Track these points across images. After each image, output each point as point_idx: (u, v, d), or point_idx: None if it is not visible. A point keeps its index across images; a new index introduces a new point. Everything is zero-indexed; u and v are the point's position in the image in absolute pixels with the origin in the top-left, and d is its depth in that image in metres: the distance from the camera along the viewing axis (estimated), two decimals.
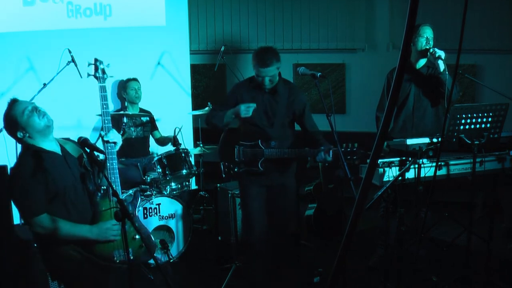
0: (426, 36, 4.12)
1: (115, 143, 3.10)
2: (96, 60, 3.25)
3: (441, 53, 4.02)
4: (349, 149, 3.47)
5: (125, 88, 5.46)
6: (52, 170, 2.95)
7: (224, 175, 3.96)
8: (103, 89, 3.15)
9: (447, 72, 4.01)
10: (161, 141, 5.59)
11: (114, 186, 2.99)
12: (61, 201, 2.97)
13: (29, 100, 4.43)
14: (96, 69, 3.21)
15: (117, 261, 3.05)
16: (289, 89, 3.86)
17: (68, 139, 3.26)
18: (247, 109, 3.67)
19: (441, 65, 4.02)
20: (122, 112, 5.30)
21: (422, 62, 4.26)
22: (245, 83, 3.93)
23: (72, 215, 2.99)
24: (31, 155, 2.95)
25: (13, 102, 2.98)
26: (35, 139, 2.98)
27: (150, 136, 5.61)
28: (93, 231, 3.00)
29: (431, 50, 4.07)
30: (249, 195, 3.90)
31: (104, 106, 3.11)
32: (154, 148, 5.79)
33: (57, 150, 3.06)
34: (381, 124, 1.33)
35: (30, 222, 2.94)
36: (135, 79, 5.50)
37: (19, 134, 2.96)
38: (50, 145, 3.03)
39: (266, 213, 3.92)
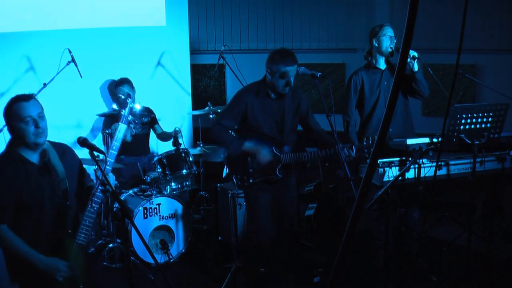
0: (389, 35, 4.17)
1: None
2: (128, 95, 3.28)
3: (415, 54, 4.03)
4: (365, 143, 3.59)
5: (116, 92, 5.31)
6: (24, 182, 2.84)
7: (237, 187, 3.85)
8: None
9: (421, 70, 4.07)
10: (163, 137, 5.55)
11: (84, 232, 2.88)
12: (24, 216, 2.85)
13: None
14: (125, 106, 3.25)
15: None
16: (292, 92, 3.78)
17: (68, 148, 3.14)
18: (265, 157, 3.62)
19: (416, 65, 4.04)
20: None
21: (383, 61, 4.27)
22: (251, 91, 3.73)
23: (29, 233, 2.84)
24: (6, 162, 2.85)
25: (25, 100, 2.83)
26: (18, 146, 2.89)
27: (150, 134, 5.59)
28: (45, 262, 2.79)
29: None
30: (259, 201, 3.78)
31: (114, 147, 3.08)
32: (154, 147, 5.79)
33: (36, 161, 2.92)
34: (380, 127, 1.33)
35: None
36: (125, 83, 5.31)
37: (11, 132, 2.88)
38: (31, 154, 2.90)
39: (272, 212, 3.88)
